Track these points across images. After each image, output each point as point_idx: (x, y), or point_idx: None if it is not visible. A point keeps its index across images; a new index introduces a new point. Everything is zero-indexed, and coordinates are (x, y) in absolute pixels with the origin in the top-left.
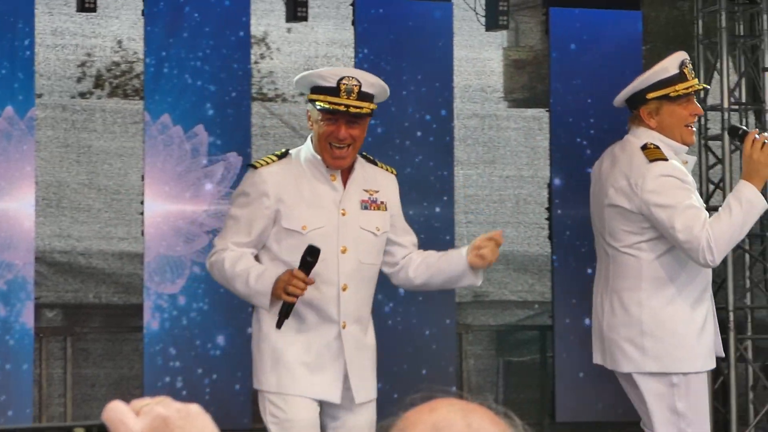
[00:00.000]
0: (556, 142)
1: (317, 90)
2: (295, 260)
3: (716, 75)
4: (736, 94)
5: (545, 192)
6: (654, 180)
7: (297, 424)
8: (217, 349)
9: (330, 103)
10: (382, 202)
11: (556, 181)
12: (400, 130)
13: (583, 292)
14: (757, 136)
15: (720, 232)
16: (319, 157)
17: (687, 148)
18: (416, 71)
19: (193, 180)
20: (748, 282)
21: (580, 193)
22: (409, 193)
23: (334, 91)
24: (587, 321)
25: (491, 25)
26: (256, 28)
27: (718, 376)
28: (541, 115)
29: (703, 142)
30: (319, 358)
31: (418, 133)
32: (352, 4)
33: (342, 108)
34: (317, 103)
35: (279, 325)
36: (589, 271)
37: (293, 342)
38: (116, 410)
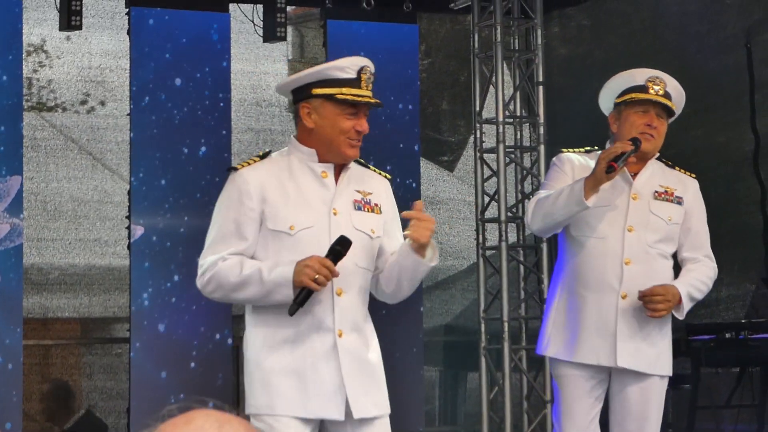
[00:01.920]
0: None
1: (332, 83)
2: None
3: (492, 89)
4: (511, 107)
5: None
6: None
7: None
8: None
9: (354, 95)
10: (376, 204)
11: None
12: (180, 143)
13: None
14: (626, 154)
15: (539, 202)
16: (312, 150)
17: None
18: (193, 83)
19: None
20: (522, 293)
21: None
22: (188, 206)
23: (356, 83)
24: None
25: (269, 36)
26: (32, 37)
27: (493, 386)
28: None
29: (478, 154)
30: (313, 372)
31: (196, 147)
32: (128, 14)
33: (368, 100)
34: (338, 96)
35: (293, 312)
36: None
37: (283, 357)
38: None
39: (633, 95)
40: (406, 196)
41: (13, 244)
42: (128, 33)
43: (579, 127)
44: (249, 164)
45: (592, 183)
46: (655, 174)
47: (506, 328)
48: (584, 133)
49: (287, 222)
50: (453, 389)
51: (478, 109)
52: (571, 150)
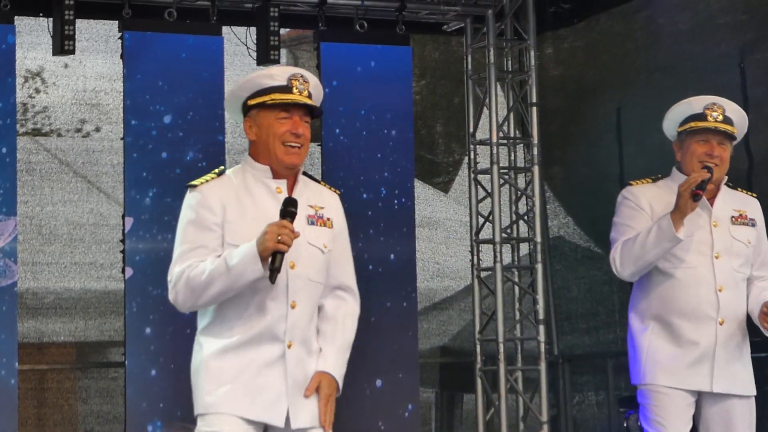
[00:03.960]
0: (328, 176)
1: (263, 92)
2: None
3: (485, 110)
4: (505, 128)
5: None
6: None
7: None
8: None
9: (284, 99)
10: (328, 219)
11: None
12: (174, 162)
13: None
14: (705, 181)
15: (625, 247)
16: (266, 167)
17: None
18: (186, 106)
19: None
20: (518, 314)
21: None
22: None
23: (286, 89)
24: None
25: (262, 59)
26: (31, 63)
27: (489, 407)
28: (312, 149)
29: (473, 175)
30: (260, 378)
31: (189, 167)
32: (121, 38)
33: (297, 100)
34: (269, 102)
35: (274, 278)
36: None
37: (232, 361)
38: None
39: (692, 124)
40: (402, 217)
41: (6, 283)
42: (121, 57)
43: (573, 148)
44: (207, 181)
45: (679, 216)
46: (727, 199)
47: (501, 349)
48: (578, 154)
49: (246, 237)
50: (449, 411)
51: (472, 130)
52: (639, 182)
